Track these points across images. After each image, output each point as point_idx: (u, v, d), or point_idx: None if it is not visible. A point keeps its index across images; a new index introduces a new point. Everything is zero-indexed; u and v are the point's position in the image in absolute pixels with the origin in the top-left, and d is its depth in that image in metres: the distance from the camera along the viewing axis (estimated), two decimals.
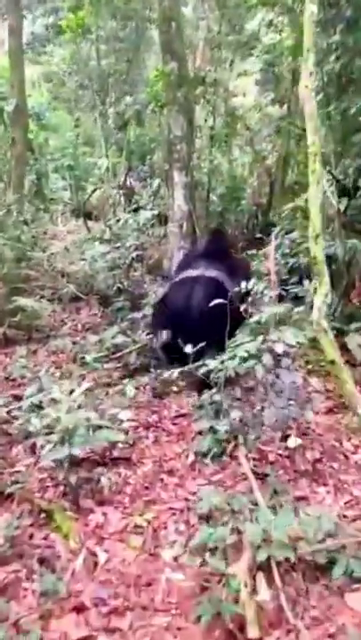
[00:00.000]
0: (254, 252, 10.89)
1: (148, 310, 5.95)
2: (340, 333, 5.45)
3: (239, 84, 11.71)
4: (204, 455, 4.03)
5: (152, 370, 5.25)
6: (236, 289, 4.59)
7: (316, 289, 3.85)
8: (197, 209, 9.74)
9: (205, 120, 10.29)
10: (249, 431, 3.78)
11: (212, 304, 4.54)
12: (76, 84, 12.32)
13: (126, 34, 11.57)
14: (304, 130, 10.24)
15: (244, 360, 3.71)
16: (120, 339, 5.58)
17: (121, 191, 10.24)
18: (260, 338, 3.51)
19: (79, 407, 3.79)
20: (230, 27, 10.93)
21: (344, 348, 5.16)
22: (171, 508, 3.54)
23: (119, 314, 6.26)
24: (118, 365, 5.54)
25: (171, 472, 3.97)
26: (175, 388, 5.13)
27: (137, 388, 4.97)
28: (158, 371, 5.10)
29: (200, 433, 4.29)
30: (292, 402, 3.63)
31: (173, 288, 5.59)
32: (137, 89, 11.05)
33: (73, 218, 11.82)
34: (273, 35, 10.51)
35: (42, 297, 7.19)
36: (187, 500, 3.61)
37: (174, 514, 3.50)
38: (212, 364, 4.05)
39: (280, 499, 3.42)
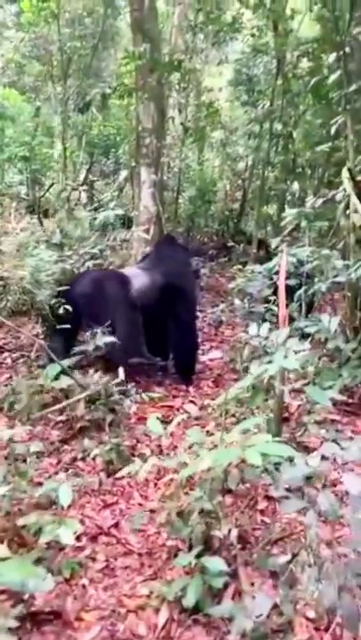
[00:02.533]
0: (225, 260, 9.26)
1: (103, 339, 4.10)
2: None
3: (216, 74, 9.87)
4: (189, 611, 2.24)
5: (107, 430, 3.42)
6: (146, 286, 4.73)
7: None
8: (165, 211, 7.95)
9: (180, 111, 8.42)
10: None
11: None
12: (37, 69, 10.30)
13: (93, 18, 9.65)
14: (289, 134, 8.62)
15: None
16: (64, 380, 3.70)
17: (81, 187, 8.31)
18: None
19: None
20: (207, 15, 9.09)
21: None
22: None
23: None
24: (60, 420, 3.69)
25: None
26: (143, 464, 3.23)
27: (77, 472, 3.14)
28: (115, 439, 3.27)
29: (179, 551, 2.51)
30: None
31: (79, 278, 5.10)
32: (102, 76, 9.11)
33: (28, 215, 9.80)
34: (256, 21, 8.73)
35: None
36: None
37: None
38: None
39: None
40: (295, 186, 9.76)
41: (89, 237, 5.44)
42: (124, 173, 8.22)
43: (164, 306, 4.80)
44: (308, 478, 1.70)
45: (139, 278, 4.91)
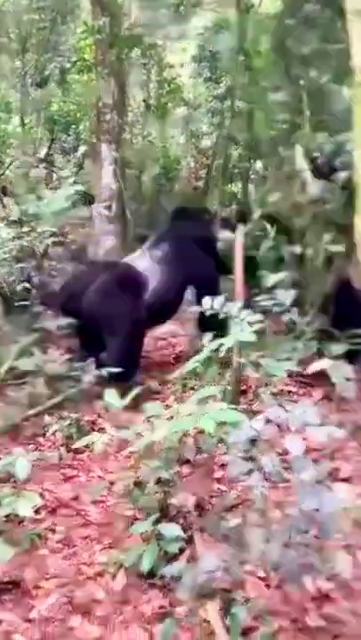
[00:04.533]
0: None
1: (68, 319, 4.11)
2: (318, 356, 3.82)
3: (178, 50, 9.76)
4: (145, 576, 2.31)
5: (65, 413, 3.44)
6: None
7: None
8: (128, 189, 7.90)
9: (141, 87, 8.33)
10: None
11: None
12: None
13: None
14: (251, 111, 8.61)
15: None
16: (25, 360, 3.70)
17: (42, 165, 8.19)
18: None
19: None
20: None
21: (323, 377, 3.51)
22: None
23: (26, 320, 4.36)
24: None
25: (86, 610, 2.22)
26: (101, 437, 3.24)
27: (38, 447, 3.17)
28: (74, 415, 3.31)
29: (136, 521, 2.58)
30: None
31: (82, 273, 4.82)
32: (61, 51, 8.93)
33: None
34: None
35: None
36: None
37: None
38: None
39: None
40: (258, 164, 9.80)
41: (48, 216, 5.37)
42: (83, 149, 8.11)
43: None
44: (253, 441, 1.77)
45: (155, 277, 4.41)
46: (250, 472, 1.74)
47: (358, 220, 1.89)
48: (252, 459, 1.76)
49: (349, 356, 3.45)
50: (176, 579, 2.00)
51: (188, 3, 9.25)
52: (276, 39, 7.98)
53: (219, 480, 2.86)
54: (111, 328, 4.09)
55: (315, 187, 4.11)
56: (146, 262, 4.49)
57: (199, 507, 2.66)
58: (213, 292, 4.01)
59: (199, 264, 4.55)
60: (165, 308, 4.52)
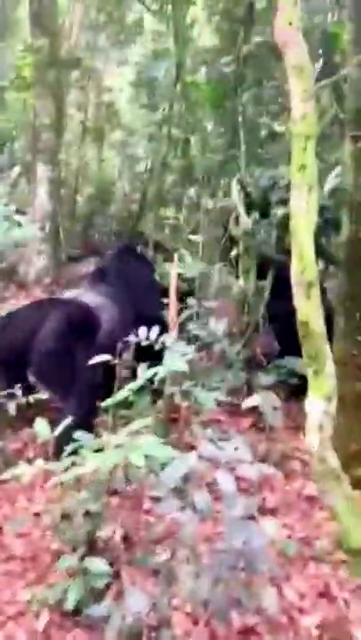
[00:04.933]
0: None
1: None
2: (247, 385, 3.90)
3: (117, 74, 9.85)
4: (70, 614, 2.24)
5: None
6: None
7: (302, 379, 2.18)
8: (62, 209, 7.84)
9: (79, 110, 8.33)
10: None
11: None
12: None
13: None
14: (186, 139, 8.78)
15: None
16: None
17: None
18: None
19: None
20: (108, 16, 9.08)
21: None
22: None
23: None
24: None
25: None
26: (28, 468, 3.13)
27: None
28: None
29: (62, 554, 2.51)
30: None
31: (20, 312, 4.13)
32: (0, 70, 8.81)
33: None
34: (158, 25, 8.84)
35: None
36: None
37: None
38: None
39: None
40: (192, 191, 9.98)
41: None
42: (18, 169, 8.00)
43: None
44: (187, 478, 1.78)
45: (107, 311, 3.92)
46: (182, 509, 1.75)
47: (295, 261, 1.95)
48: (183, 495, 1.76)
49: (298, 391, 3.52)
50: (103, 618, 1.95)
51: (128, 30, 9.42)
52: (213, 72, 8.26)
53: (147, 512, 2.84)
54: (69, 383, 3.54)
55: (248, 220, 4.23)
56: (93, 299, 4.03)
57: (127, 539, 2.63)
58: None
59: (148, 300, 4.27)
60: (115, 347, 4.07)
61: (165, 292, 4.14)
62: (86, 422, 3.11)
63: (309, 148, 1.91)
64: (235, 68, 5.94)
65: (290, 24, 1.97)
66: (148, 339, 2.89)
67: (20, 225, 4.52)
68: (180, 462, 1.77)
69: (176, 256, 3.59)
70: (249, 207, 4.31)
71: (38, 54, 7.28)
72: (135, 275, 4.38)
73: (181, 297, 4.00)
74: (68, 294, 4.31)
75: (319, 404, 2.01)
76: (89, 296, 4.07)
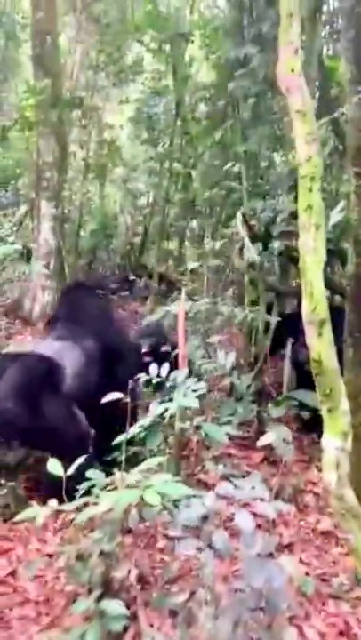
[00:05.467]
0: (127, 293, 9.32)
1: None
2: (257, 418, 3.90)
3: (118, 111, 10.08)
4: None
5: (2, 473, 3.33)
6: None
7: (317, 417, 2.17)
8: (66, 244, 7.94)
9: (81, 147, 8.51)
10: None
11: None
12: None
13: None
14: (188, 174, 8.92)
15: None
16: None
17: None
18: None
19: None
20: (108, 56, 9.33)
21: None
22: None
23: None
24: None
25: None
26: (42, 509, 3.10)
27: None
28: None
29: (78, 597, 2.48)
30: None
31: None
32: (2, 109, 9.04)
33: None
34: (157, 65, 9.09)
35: None
36: None
37: None
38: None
39: None
40: (194, 223, 10.11)
41: None
42: (23, 207, 8.15)
43: (106, 383, 3.37)
44: (205, 517, 1.77)
45: (69, 356, 3.61)
46: (199, 549, 1.74)
47: (306, 300, 1.98)
48: (200, 534, 1.76)
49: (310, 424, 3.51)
50: None
51: (128, 69, 9.67)
52: (212, 108, 8.46)
53: (162, 550, 2.81)
54: (45, 439, 3.31)
55: (252, 252, 4.28)
56: (51, 347, 3.72)
57: (143, 579, 2.60)
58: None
59: (107, 332, 3.97)
60: (89, 393, 3.53)
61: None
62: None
63: (315, 188, 1.97)
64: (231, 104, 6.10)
65: (292, 71, 2.04)
66: (159, 375, 2.91)
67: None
68: (197, 501, 1.78)
69: (183, 293, 3.61)
70: (252, 239, 4.37)
71: (41, 94, 7.45)
72: (89, 310, 4.07)
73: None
74: (25, 346, 4.14)
75: (335, 442, 2.01)
76: (47, 344, 3.80)
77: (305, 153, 1.99)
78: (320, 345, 1.96)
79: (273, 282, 4.33)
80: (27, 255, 7.70)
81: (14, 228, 7.53)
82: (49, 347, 3.71)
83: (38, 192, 7.72)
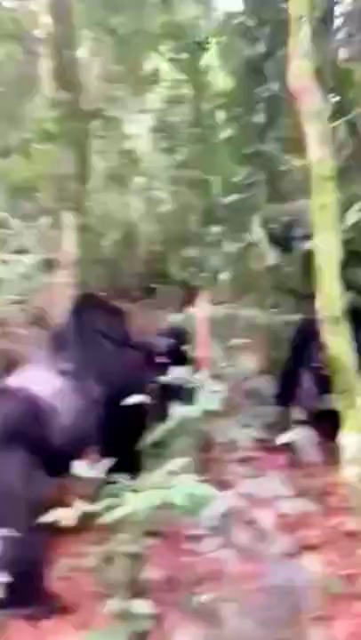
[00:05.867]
0: (150, 301, 9.39)
1: None
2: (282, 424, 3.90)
3: (137, 121, 10.20)
4: None
5: None
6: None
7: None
8: (88, 254, 8.04)
9: (101, 158, 8.64)
10: None
11: None
12: None
13: (14, 63, 9.80)
14: (207, 180, 8.99)
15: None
16: None
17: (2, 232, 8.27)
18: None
19: None
20: (126, 66, 9.47)
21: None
22: None
23: None
24: None
25: None
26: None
27: None
28: None
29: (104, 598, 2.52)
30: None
31: None
32: (23, 121, 9.22)
33: None
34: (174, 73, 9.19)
35: None
36: None
37: None
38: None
39: None
40: (215, 229, 10.16)
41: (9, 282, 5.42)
42: (46, 217, 8.29)
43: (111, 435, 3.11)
44: (227, 516, 1.80)
45: (64, 400, 3.08)
46: (223, 546, 1.77)
47: (321, 298, 2.00)
48: (223, 534, 1.79)
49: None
50: None
51: (145, 79, 9.80)
52: (229, 114, 8.51)
53: (187, 552, 2.84)
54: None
55: (272, 255, 4.31)
56: (47, 383, 3.15)
57: (168, 580, 2.63)
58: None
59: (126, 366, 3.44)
60: (82, 441, 3.15)
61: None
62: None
63: (328, 188, 2.00)
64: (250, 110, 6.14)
65: (303, 72, 2.08)
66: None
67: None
68: (219, 500, 1.81)
69: (204, 297, 3.65)
70: (273, 242, 4.39)
71: (60, 107, 7.60)
72: (101, 332, 3.51)
73: None
74: (16, 378, 3.30)
75: (354, 438, 2.03)
76: (41, 378, 3.19)
77: (318, 154, 2.02)
78: (337, 342, 1.99)
79: (294, 285, 4.33)
80: (50, 266, 7.81)
81: (38, 239, 7.66)
82: (44, 382, 3.15)
83: (60, 203, 7.85)
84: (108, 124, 8.76)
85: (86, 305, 3.84)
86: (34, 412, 2.99)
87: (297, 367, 4.10)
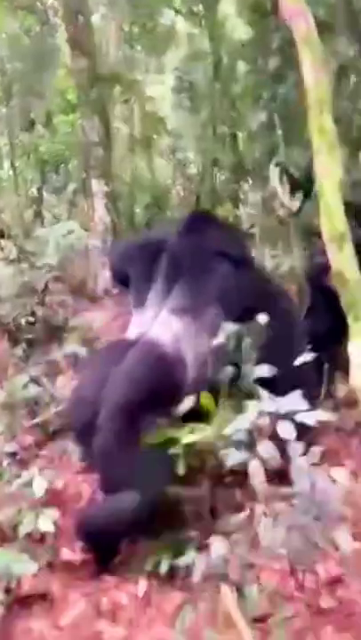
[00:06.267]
0: None
1: (74, 347, 4.25)
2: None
3: (158, 82, 10.17)
4: (164, 579, 2.45)
5: None
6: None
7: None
8: (121, 221, 8.18)
9: (125, 122, 8.70)
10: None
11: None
12: None
13: (30, 36, 9.85)
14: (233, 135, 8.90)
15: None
16: (33, 389, 3.85)
17: (34, 205, 8.52)
18: (252, 407, 1.92)
19: None
20: (142, 26, 9.40)
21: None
22: None
23: (31, 353, 4.52)
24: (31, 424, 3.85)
25: (112, 614, 2.36)
26: None
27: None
28: None
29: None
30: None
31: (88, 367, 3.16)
32: (44, 94, 9.33)
33: None
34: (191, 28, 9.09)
35: None
36: None
37: None
38: None
39: None
40: (245, 185, 10.11)
41: (46, 251, 5.60)
42: (72, 186, 8.45)
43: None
44: (250, 432, 1.92)
45: (190, 345, 2.76)
46: (248, 459, 1.90)
47: (324, 219, 2.07)
48: (248, 447, 1.92)
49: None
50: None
51: (162, 38, 9.71)
52: (248, 64, 8.38)
53: (228, 484, 2.99)
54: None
55: (288, 200, 4.31)
56: (167, 327, 2.80)
57: (212, 511, 2.81)
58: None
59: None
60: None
61: None
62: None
63: (325, 111, 2.04)
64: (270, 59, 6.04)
65: None
66: None
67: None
68: (242, 417, 1.93)
69: None
70: (293, 188, 4.39)
71: (80, 75, 7.66)
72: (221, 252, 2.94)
73: None
74: (133, 328, 3.01)
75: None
76: (161, 324, 2.83)
77: (313, 78, 2.06)
78: (341, 258, 2.05)
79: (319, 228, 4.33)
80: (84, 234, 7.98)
81: (68, 208, 7.84)
82: (165, 327, 2.81)
83: (88, 171, 7.96)
84: (128, 87, 8.76)
85: (199, 224, 3.20)
86: (163, 371, 2.68)
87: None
